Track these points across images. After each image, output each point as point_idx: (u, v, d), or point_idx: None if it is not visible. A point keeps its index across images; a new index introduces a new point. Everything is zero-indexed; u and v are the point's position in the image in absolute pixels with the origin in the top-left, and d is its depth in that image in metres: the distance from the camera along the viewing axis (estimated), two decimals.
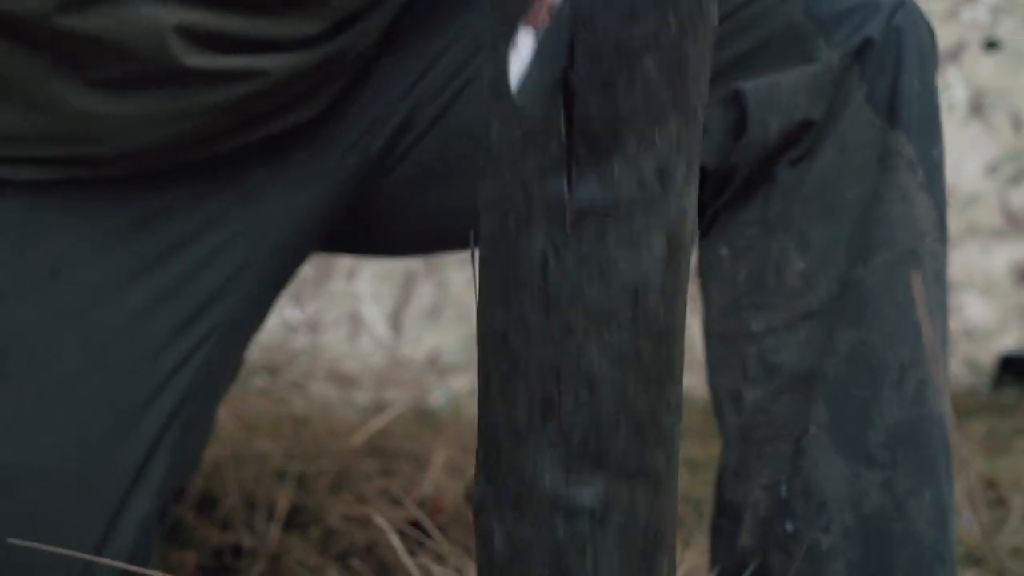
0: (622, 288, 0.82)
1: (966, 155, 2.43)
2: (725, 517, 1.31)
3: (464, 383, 2.42)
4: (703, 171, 1.26)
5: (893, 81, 1.25)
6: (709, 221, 1.30)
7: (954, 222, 2.50)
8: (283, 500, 1.76)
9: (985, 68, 2.39)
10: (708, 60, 0.85)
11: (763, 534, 1.27)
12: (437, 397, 2.40)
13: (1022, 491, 2.03)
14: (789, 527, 1.25)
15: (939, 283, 1.28)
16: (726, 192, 1.28)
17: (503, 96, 0.83)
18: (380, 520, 1.53)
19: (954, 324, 2.58)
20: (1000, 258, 2.54)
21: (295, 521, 1.77)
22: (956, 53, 2.36)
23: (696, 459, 2.11)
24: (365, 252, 1.56)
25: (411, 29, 1.37)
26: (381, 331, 2.41)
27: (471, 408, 2.36)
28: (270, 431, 1.97)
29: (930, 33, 1.28)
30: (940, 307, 1.28)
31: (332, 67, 1.29)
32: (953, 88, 2.40)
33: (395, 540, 1.41)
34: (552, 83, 0.81)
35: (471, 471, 1.99)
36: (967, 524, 1.91)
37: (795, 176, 1.26)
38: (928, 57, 1.28)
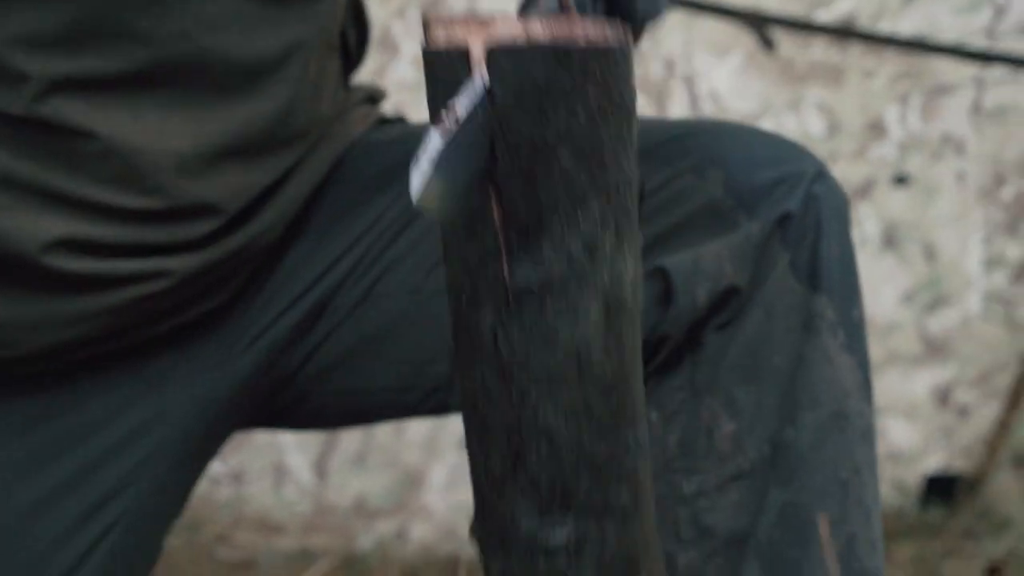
0: (566, 353, 0.91)
1: (882, 286, 2.46)
2: None
3: (391, 527, 2.40)
4: None
5: (814, 248, 1.28)
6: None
7: (875, 350, 2.51)
8: None
9: (896, 202, 2.43)
10: (628, 139, 0.92)
11: None
12: (364, 542, 2.38)
13: None
14: None
15: (866, 441, 1.29)
16: (656, 359, 1.30)
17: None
18: None
19: (880, 448, 2.59)
20: (921, 383, 2.56)
21: None
22: (867, 189, 2.40)
23: None
24: (299, 428, 1.55)
25: (325, 213, 1.38)
26: (306, 479, 2.40)
27: (399, 552, 2.34)
28: None
29: (845, 200, 1.31)
30: (868, 466, 1.30)
31: (237, 260, 1.30)
32: (866, 223, 2.43)
33: None
34: (467, 183, 0.89)
35: None
36: None
37: (722, 341, 1.28)
38: (845, 222, 1.30)
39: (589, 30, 0.91)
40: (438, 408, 1.39)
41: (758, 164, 1.30)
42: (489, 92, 0.88)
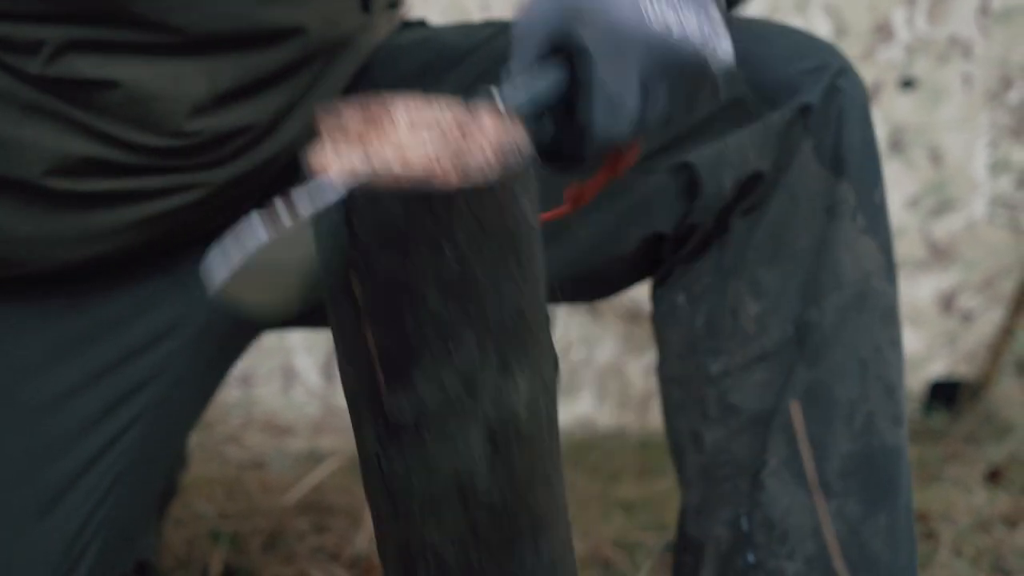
0: (446, 480, 0.90)
1: (888, 190, 2.46)
2: (688, 553, 1.34)
3: None
4: (662, 236, 1.31)
5: (837, 135, 1.30)
6: (666, 270, 1.34)
7: None
8: (216, 562, 1.76)
9: (902, 106, 2.42)
10: (514, 266, 0.87)
11: (725, 567, 1.30)
12: None
13: (951, 523, 2.05)
14: (751, 558, 1.29)
15: (889, 319, 1.33)
16: (687, 246, 1.32)
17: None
18: None
19: None
20: (925, 288, 2.57)
21: None
22: (874, 93, 2.39)
23: (630, 500, 2.13)
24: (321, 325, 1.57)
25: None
26: (314, 381, 2.41)
27: None
28: (204, 490, 1.97)
29: (866, 94, 1.33)
30: (891, 344, 1.33)
31: (265, 171, 1.32)
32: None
33: None
34: (292, 288, 0.85)
35: None
36: None
37: (748, 225, 1.31)
38: (866, 113, 1.33)
39: (483, 145, 0.85)
40: None
41: (781, 60, 1.32)
42: (345, 209, 0.83)
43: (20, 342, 1.32)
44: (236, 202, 1.31)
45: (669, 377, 1.36)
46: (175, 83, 1.24)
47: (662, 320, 1.35)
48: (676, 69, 1.01)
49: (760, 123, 1.30)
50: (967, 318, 2.67)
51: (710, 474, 1.32)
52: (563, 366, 2.37)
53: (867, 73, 2.50)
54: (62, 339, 1.33)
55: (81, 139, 1.24)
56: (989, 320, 2.67)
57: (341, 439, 2.34)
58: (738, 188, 1.30)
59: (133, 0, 1.20)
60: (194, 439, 2.25)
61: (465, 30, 1.43)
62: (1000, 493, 2.19)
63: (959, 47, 2.41)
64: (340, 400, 2.42)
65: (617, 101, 0.99)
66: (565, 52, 1.00)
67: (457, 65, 1.37)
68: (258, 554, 1.83)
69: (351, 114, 0.89)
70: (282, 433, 2.37)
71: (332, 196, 0.83)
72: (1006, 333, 2.69)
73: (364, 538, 1.87)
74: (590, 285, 1.40)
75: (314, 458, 2.20)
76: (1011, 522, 2.05)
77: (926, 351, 2.68)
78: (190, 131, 1.26)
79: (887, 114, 2.40)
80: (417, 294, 0.85)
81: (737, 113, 1.31)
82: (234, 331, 1.40)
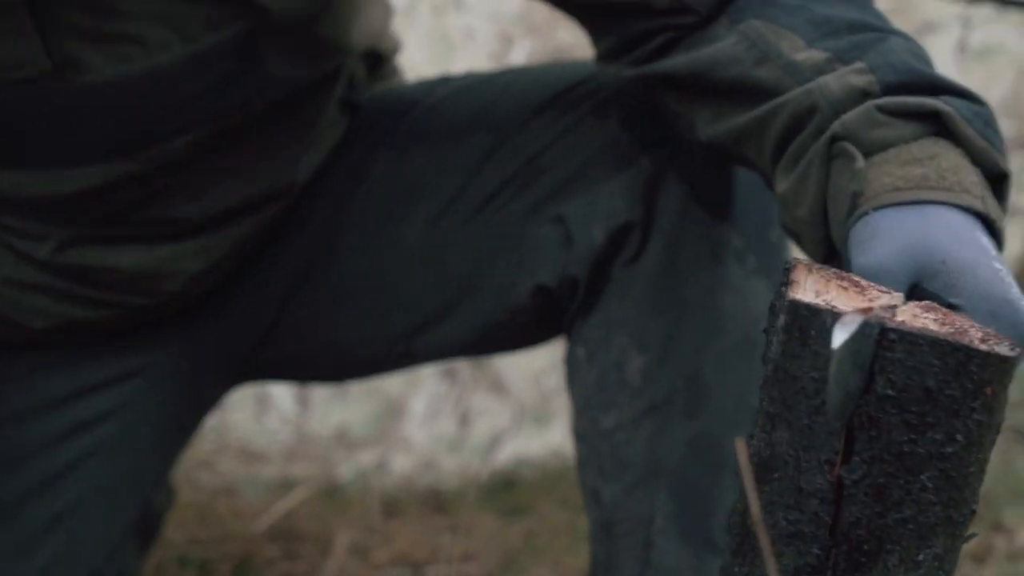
0: None
1: None
2: None
3: (371, 457, 2.42)
4: (548, 290, 1.31)
5: (719, 177, 1.29)
6: (567, 325, 1.34)
7: None
8: None
9: None
10: (985, 467, 0.83)
11: None
12: (344, 472, 2.40)
13: None
14: None
15: None
16: (576, 300, 1.31)
17: None
18: None
19: None
20: None
21: None
22: None
23: None
24: (285, 380, 1.60)
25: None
26: (288, 408, 2.41)
27: (379, 483, 2.36)
28: (175, 516, 1.96)
29: None
30: None
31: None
32: None
33: None
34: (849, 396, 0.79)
35: (375, 552, 1.99)
36: None
37: (628, 276, 1.30)
38: None
39: (979, 332, 0.82)
40: (403, 358, 1.42)
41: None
42: (873, 351, 0.78)
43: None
44: (201, 286, 1.39)
45: (574, 432, 1.36)
46: (173, 263, 1.31)
47: (568, 375, 1.36)
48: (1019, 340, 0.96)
49: (632, 171, 1.28)
50: None
51: (610, 531, 1.31)
52: (535, 394, 2.37)
53: None
54: (35, 363, 1.35)
55: (81, 308, 1.31)
56: None
57: (314, 466, 2.34)
58: (610, 238, 1.29)
59: (141, 207, 1.26)
60: None
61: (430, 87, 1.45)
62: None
63: None
64: (314, 427, 2.42)
65: None
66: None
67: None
68: None
69: (819, 269, 0.86)
70: (255, 459, 2.37)
71: (863, 333, 0.79)
72: None
73: (333, 565, 1.87)
74: (501, 337, 1.41)
75: (286, 485, 2.20)
76: (979, 559, 2.06)
77: None
78: (184, 295, 1.34)
79: None
80: (917, 476, 0.79)
81: (612, 156, 1.30)
82: (195, 384, 1.42)
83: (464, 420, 2.45)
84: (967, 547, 2.09)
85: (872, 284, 0.87)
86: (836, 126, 1.03)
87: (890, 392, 0.79)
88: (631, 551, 1.29)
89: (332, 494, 2.26)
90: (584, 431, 1.32)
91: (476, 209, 1.35)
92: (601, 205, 1.29)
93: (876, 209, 0.98)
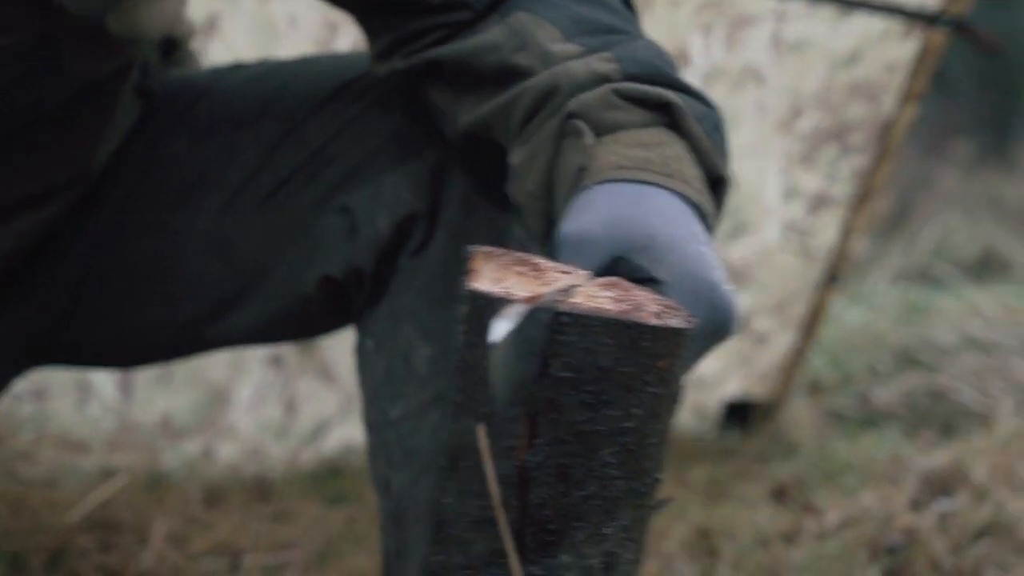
0: None
1: None
2: None
3: (196, 446, 2.41)
4: (334, 280, 1.32)
5: (502, 166, 1.31)
6: (356, 316, 1.35)
7: None
8: None
9: None
10: (667, 437, 0.83)
11: None
12: (169, 460, 2.38)
13: (734, 540, 2.10)
14: None
15: None
16: (364, 291, 1.33)
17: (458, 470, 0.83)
18: None
19: None
20: None
21: None
22: None
23: None
24: (83, 366, 1.58)
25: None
26: (111, 395, 2.39)
27: (204, 471, 2.35)
28: None
29: None
30: None
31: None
32: None
33: None
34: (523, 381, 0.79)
35: (194, 542, 1.98)
36: (679, 574, 1.98)
37: (414, 266, 1.32)
38: None
39: (656, 307, 0.83)
40: (195, 344, 1.43)
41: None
42: (547, 336, 0.79)
43: None
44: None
45: (365, 422, 1.38)
46: None
47: (358, 366, 1.37)
48: (718, 327, 0.98)
49: (416, 162, 1.31)
50: (760, 340, 2.74)
51: (399, 519, 1.33)
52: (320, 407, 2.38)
53: None
54: None
55: None
56: (781, 342, 2.75)
57: (137, 455, 2.32)
58: (395, 229, 1.31)
59: None
60: None
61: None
62: (782, 511, 2.26)
63: (753, 75, 2.48)
64: (137, 415, 2.40)
65: None
66: (628, 276, 0.95)
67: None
68: (40, 572, 1.80)
69: (499, 255, 0.86)
70: (76, 449, 2.34)
71: (534, 319, 0.79)
72: (797, 355, 2.77)
73: (150, 556, 1.86)
74: (292, 325, 1.42)
75: (107, 475, 2.17)
76: (789, 538, 2.11)
77: (722, 371, 2.75)
78: None
79: None
80: (597, 453, 0.80)
81: (398, 147, 1.32)
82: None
83: (290, 407, 2.45)
84: (778, 527, 2.14)
85: (553, 265, 0.87)
86: (572, 104, 1.07)
87: (566, 374, 0.80)
88: (422, 538, 1.30)
89: (154, 483, 2.25)
90: (373, 421, 1.34)
91: (264, 198, 1.35)
92: (385, 196, 1.30)
93: (597, 184, 1.02)
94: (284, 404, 2.45)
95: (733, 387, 2.78)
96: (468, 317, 0.84)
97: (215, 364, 2.40)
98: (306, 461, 2.44)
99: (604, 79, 1.09)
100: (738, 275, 2.62)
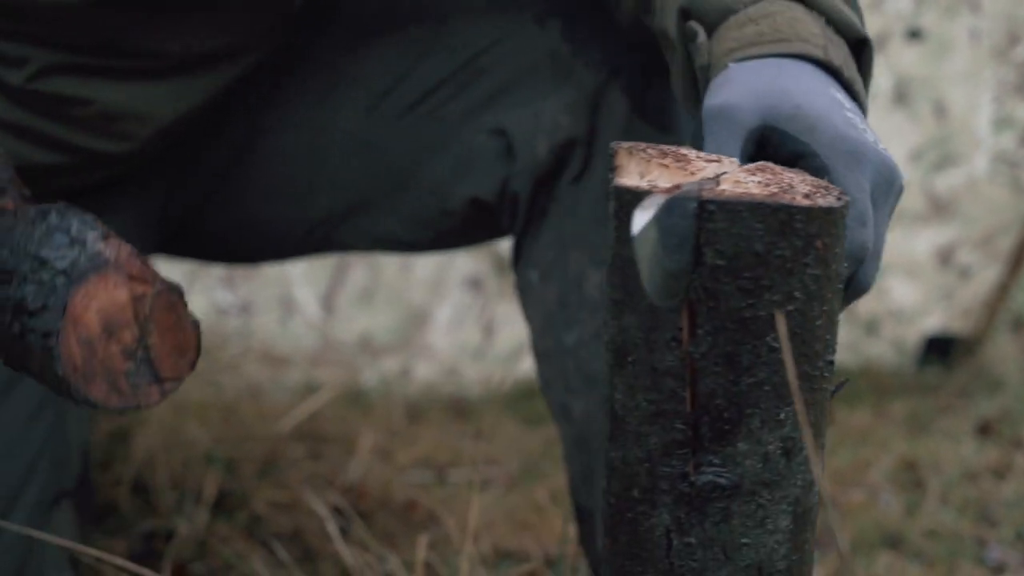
0: (747, 568, 0.83)
1: (890, 142, 2.45)
2: (584, 523, 1.35)
3: (395, 364, 2.44)
4: (484, 204, 1.31)
5: (661, 90, 1.28)
6: (516, 249, 1.34)
7: None
8: (211, 485, 1.78)
9: (908, 58, 2.42)
10: (836, 319, 0.82)
11: None
12: (368, 378, 2.42)
13: (940, 473, 2.07)
14: None
15: None
16: (518, 219, 1.32)
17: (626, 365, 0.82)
18: (316, 504, 1.55)
19: (880, 306, 2.62)
20: (924, 242, 2.58)
21: (223, 506, 1.78)
22: (880, 43, 2.39)
23: None
24: (209, 259, 1.60)
25: None
26: (313, 313, 2.43)
27: (401, 389, 2.38)
28: (200, 416, 1.98)
29: None
30: None
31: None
32: (877, 77, 2.43)
33: (332, 527, 1.44)
34: (671, 279, 0.79)
35: (398, 455, 2.01)
36: (886, 504, 1.96)
37: (576, 193, 1.30)
38: None
39: (806, 187, 0.81)
40: (323, 244, 1.44)
41: (598, 10, 1.28)
42: (696, 226, 0.78)
43: None
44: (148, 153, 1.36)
45: (536, 353, 1.37)
46: (145, 103, 1.27)
47: (523, 298, 1.37)
48: (889, 184, 0.97)
49: (574, 85, 1.28)
50: (964, 274, 2.68)
51: (584, 445, 1.33)
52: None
53: (874, 23, 2.50)
54: None
55: (45, 151, 1.28)
56: (986, 277, 2.68)
57: (338, 371, 2.36)
58: (554, 155, 1.29)
59: (126, 36, 1.23)
60: None
61: None
62: (990, 446, 2.21)
63: (967, 1, 2.41)
64: (338, 332, 2.44)
65: (864, 218, 0.93)
66: (778, 151, 0.94)
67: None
68: (252, 479, 1.84)
69: (642, 149, 0.85)
70: (279, 363, 2.39)
71: (680, 209, 0.78)
72: (1003, 290, 2.70)
73: (358, 466, 1.89)
74: (427, 236, 1.41)
75: (310, 389, 2.22)
76: (999, 474, 2.07)
77: (922, 304, 2.69)
78: (149, 143, 1.31)
79: (892, 65, 2.40)
80: (763, 338, 0.80)
81: (553, 68, 1.30)
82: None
83: (488, 330, 2.47)
84: (986, 462, 2.10)
85: (700, 155, 0.86)
86: (684, 2, 1.04)
87: (720, 262, 0.79)
88: None
89: (356, 399, 2.28)
90: (548, 349, 1.34)
91: (411, 104, 1.35)
92: (545, 120, 1.29)
93: (722, 70, 0.99)
94: (482, 327, 2.46)
95: (934, 321, 2.72)
96: (617, 213, 0.83)
97: (415, 285, 2.43)
98: (502, 383, 2.46)
99: None
100: (944, 206, 2.56)
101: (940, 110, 2.46)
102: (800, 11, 1.01)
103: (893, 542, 1.85)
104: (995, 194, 2.59)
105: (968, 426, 2.34)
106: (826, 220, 0.80)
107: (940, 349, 2.77)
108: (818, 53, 0.98)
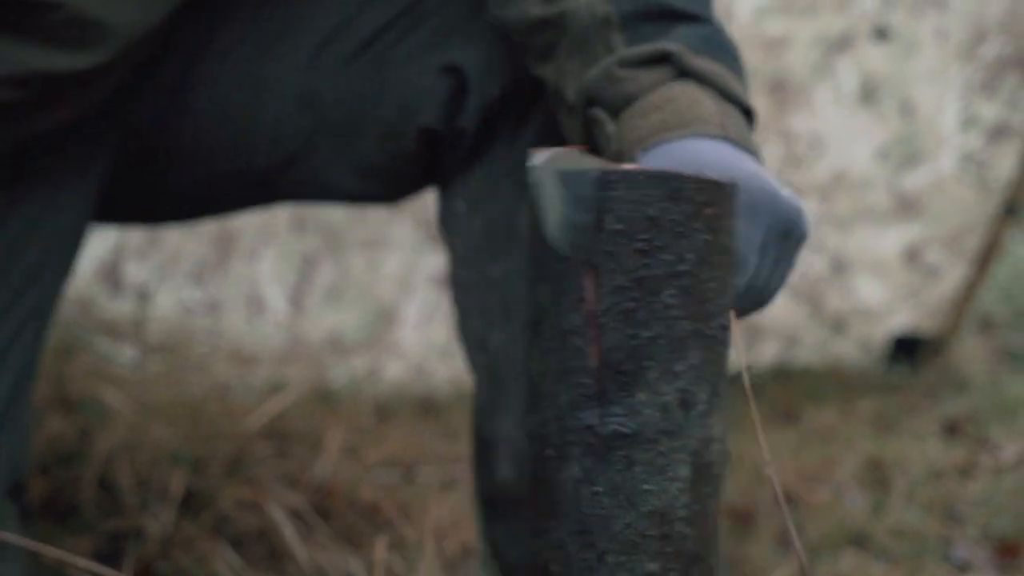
0: (650, 514, 0.90)
1: (856, 140, 2.47)
2: (483, 454, 1.37)
3: (363, 363, 2.43)
4: (433, 133, 1.32)
5: None
6: (445, 178, 1.35)
7: (845, 205, 2.54)
8: (177, 483, 1.77)
9: (874, 57, 2.43)
10: (729, 287, 0.92)
11: (520, 465, 1.32)
12: (337, 376, 2.41)
13: (906, 472, 2.08)
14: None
15: None
16: (458, 150, 1.33)
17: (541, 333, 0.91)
18: (274, 509, 1.55)
19: (847, 305, 2.63)
20: (890, 240, 2.59)
21: (189, 505, 1.77)
22: (846, 42, 2.40)
23: None
24: (162, 220, 1.59)
25: None
26: (281, 311, 2.42)
27: (370, 388, 2.37)
28: (167, 415, 1.97)
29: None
30: None
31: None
32: (843, 76, 2.44)
33: (289, 530, 1.43)
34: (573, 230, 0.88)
35: (367, 453, 2.01)
36: (851, 504, 1.96)
37: (518, 131, 1.32)
38: None
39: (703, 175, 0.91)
40: (267, 195, 1.46)
41: None
42: (598, 192, 0.88)
43: None
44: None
45: (456, 283, 1.38)
46: (112, 12, 1.25)
47: (446, 227, 1.38)
48: (784, 235, 1.05)
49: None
50: (931, 273, 2.69)
51: (497, 375, 1.33)
52: None
53: (840, 22, 2.51)
54: None
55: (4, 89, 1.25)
56: (953, 276, 2.70)
57: (306, 370, 2.35)
58: (505, 93, 1.31)
59: None
60: (159, 366, 2.26)
61: None
62: (956, 445, 2.22)
63: (934, 0, 2.42)
64: (306, 330, 2.44)
65: (742, 261, 1.01)
66: None
67: None
68: (219, 478, 1.83)
69: (559, 152, 0.93)
70: (247, 362, 2.38)
71: (585, 179, 0.87)
72: (970, 290, 2.72)
73: (325, 464, 1.88)
74: (374, 182, 1.42)
75: (278, 387, 2.21)
76: (965, 473, 2.08)
77: (889, 303, 2.70)
78: (121, 51, 1.28)
79: (859, 64, 2.41)
80: (658, 296, 0.88)
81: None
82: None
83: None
84: (952, 461, 2.10)
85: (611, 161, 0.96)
86: (587, 88, 1.12)
87: (618, 226, 0.88)
88: (518, 393, 1.31)
89: (324, 397, 2.28)
90: (469, 280, 1.35)
91: (355, 52, 1.35)
92: (496, 56, 1.31)
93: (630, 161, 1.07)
94: (451, 324, 2.46)
95: (901, 320, 2.73)
96: (533, 189, 0.92)
97: (383, 283, 2.42)
98: (471, 382, 2.46)
99: (604, 21, 1.14)
100: (910, 205, 2.57)
101: (907, 109, 2.47)
102: (697, 92, 1.09)
103: (858, 541, 1.86)
104: (962, 193, 2.60)
105: (934, 426, 2.35)
106: (715, 192, 0.89)
107: (907, 349, 2.78)
108: (718, 132, 1.06)
